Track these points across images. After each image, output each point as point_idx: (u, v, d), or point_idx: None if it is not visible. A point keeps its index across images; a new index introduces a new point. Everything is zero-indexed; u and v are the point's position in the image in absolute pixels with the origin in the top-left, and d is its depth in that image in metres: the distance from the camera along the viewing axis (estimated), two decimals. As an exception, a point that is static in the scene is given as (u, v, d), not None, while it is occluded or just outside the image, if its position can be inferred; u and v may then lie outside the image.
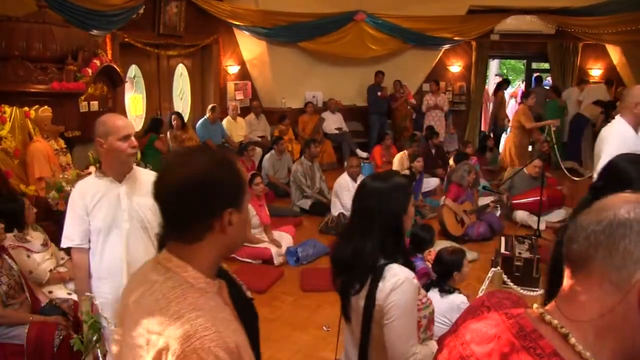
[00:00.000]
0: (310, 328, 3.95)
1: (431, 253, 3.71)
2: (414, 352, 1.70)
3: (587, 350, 0.79)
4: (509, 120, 11.07)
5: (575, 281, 0.83)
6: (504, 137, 11.02)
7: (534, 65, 11.67)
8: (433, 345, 1.81)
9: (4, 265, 3.03)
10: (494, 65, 15.28)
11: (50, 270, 3.54)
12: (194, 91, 9.07)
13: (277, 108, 9.65)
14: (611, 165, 1.91)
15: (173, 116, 7.84)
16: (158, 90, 8.31)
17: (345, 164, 6.77)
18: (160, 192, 1.13)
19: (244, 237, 1.25)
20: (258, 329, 1.35)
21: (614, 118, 3.72)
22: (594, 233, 0.80)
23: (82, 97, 5.56)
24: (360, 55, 9.79)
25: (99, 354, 2.55)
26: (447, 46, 10.29)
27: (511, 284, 3.34)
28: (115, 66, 6.03)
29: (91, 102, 5.83)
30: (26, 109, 4.71)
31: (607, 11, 9.02)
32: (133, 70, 7.80)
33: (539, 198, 5.87)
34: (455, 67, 10.70)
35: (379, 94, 9.69)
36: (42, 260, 3.52)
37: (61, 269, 3.63)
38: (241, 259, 5.10)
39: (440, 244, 4.42)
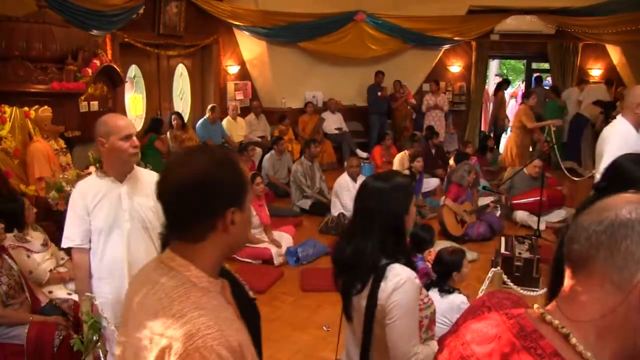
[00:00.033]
0: (310, 328, 3.95)
1: (431, 253, 3.71)
2: (416, 352, 1.71)
3: (588, 351, 0.79)
4: (509, 121, 11.08)
5: (576, 281, 0.83)
6: (504, 137, 11.04)
7: (534, 66, 11.66)
8: (434, 345, 1.81)
9: (4, 265, 3.03)
10: (494, 65, 15.28)
11: (50, 271, 3.54)
12: (194, 91, 9.07)
13: (277, 108, 9.65)
14: (615, 165, 1.92)
15: (173, 116, 7.84)
16: (158, 90, 8.31)
17: (345, 164, 6.77)
18: (163, 192, 1.14)
19: (246, 236, 1.26)
20: (260, 329, 1.35)
21: (613, 118, 3.72)
22: (595, 233, 0.80)
23: (82, 97, 5.56)
24: (360, 55, 9.79)
25: (100, 354, 2.55)
26: (447, 46, 10.29)
27: (511, 284, 3.34)
28: (115, 66, 6.03)
29: (91, 102, 5.83)
30: (26, 109, 4.71)
31: (607, 11, 9.01)
32: (133, 70, 7.80)
33: (539, 198, 5.87)
34: (455, 67, 10.70)
35: (379, 94, 9.69)
36: (42, 261, 3.52)
37: (61, 269, 3.63)
38: (241, 259, 5.09)
39: (440, 244, 4.42)
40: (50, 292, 3.46)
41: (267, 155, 7.83)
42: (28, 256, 3.43)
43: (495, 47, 10.53)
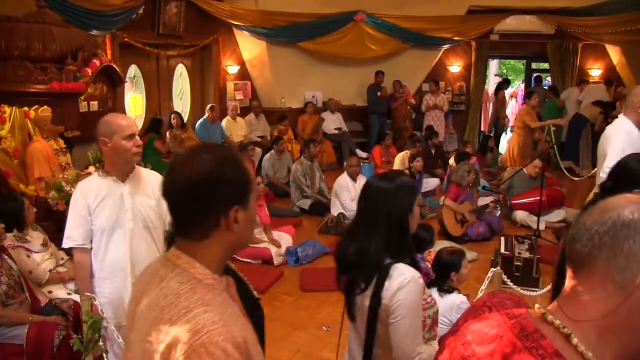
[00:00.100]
0: (310, 328, 3.95)
1: (431, 253, 3.70)
2: (420, 351, 1.71)
3: (589, 351, 0.79)
4: (509, 121, 11.08)
5: (578, 282, 0.83)
6: (504, 137, 11.04)
7: (534, 66, 11.67)
8: (437, 345, 1.81)
9: (4, 265, 3.03)
10: (493, 65, 15.28)
11: (50, 271, 3.54)
12: (194, 91, 9.07)
13: (277, 108, 9.65)
14: (621, 165, 1.95)
15: (173, 116, 7.84)
16: (158, 90, 8.31)
17: (345, 164, 6.77)
18: (167, 192, 1.15)
19: (251, 235, 1.26)
20: (264, 328, 1.35)
21: (613, 119, 3.72)
22: (597, 234, 0.80)
23: (82, 98, 5.56)
24: (360, 55, 9.80)
25: (103, 355, 2.54)
26: (447, 46, 10.30)
27: (511, 284, 3.34)
28: (115, 66, 6.03)
29: (91, 103, 5.83)
30: (26, 109, 4.70)
31: (607, 11, 9.02)
32: (133, 71, 7.80)
33: (538, 198, 5.87)
34: (455, 67, 10.71)
35: (379, 94, 9.69)
36: (42, 261, 3.52)
37: (61, 269, 3.63)
38: (241, 259, 5.09)
39: (440, 244, 4.41)
40: (50, 292, 3.46)
41: (267, 156, 7.82)
42: (28, 256, 3.43)
43: (495, 48, 10.54)
